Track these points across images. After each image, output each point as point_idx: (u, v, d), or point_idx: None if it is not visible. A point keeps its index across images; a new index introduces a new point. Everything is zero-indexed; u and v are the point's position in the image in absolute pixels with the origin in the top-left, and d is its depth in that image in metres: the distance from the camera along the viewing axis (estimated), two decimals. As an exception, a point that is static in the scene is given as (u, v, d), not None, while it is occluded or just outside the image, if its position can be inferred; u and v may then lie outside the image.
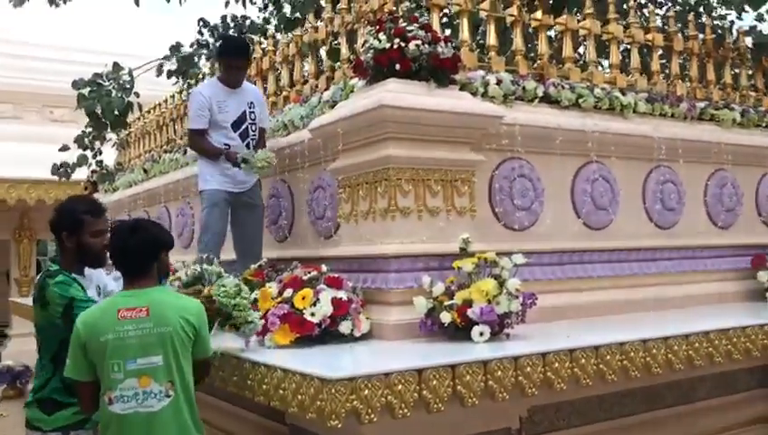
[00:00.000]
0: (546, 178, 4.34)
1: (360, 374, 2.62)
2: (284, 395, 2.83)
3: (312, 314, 3.37)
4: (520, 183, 4.22)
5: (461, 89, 4.01)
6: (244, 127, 4.71)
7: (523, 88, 4.36)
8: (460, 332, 3.36)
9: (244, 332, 3.28)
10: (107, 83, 6.60)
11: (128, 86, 6.92)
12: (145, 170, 7.65)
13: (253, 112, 4.73)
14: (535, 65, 4.77)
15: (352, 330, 3.44)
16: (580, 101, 4.56)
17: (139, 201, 7.51)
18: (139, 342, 2.74)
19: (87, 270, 3.30)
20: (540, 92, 4.42)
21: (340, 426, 2.56)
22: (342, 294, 3.50)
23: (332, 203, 4.24)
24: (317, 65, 5.08)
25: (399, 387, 2.69)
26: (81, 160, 8.05)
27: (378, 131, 3.67)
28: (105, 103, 6.41)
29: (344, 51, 4.71)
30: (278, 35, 6.11)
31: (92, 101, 6.34)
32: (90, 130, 7.93)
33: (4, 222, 12.44)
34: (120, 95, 6.53)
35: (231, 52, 4.72)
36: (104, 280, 3.46)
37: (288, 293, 3.48)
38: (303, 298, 3.42)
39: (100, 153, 8.79)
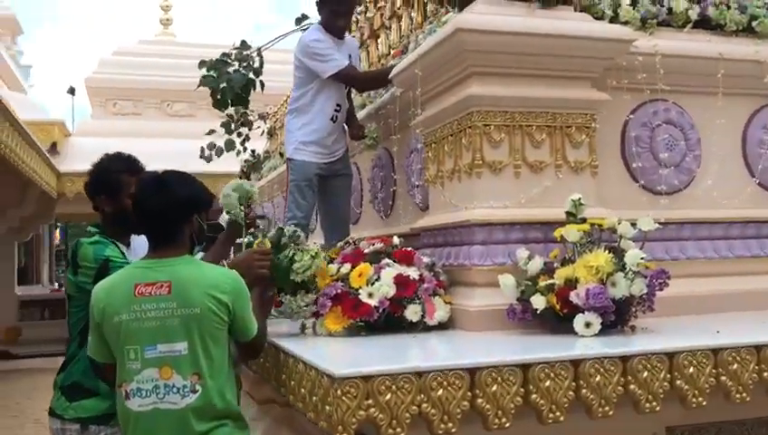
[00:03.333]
0: (703, 125, 3.30)
1: (380, 372, 1.90)
2: (303, 395, 2.17)
3: (370, 295, 2.67)
4: (665, 131, 3.22)
5: (579, 10, 3.11)
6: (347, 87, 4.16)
7: (669, 10, 3.35)
8: (563, 322, 2.51)
9: (291, 312, 2.69)
10: (233, 62, 6.31)
11: (256, 65, 6.56)
12: (281, 154, 7.40)
13: (351, 64, 4.13)
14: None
15: (423, 316, 2.70)
16: (754, 24, 3.43)
17: (275, 186, 7.27)
18: (160, 325, 2.20)
19: (133, 240, 2.86)
20: (694, 15, 3.37)
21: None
22: (413, 272, 2.77)
23: (386, 171, 3.53)
24: (423, 13, 4.36)
25: (440, 392, 1.93)
26: (229, 146, 7.89)
27: (458, 66, 2.89)
28: (226, 80, 6.12)
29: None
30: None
31: (213, 78, 6.08)
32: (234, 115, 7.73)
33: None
34: (243, 73, 6.19)
35: None
36: None
37: (345, 269, 2.82)
38: (360, 275, 2.73)
39: (248, 139, 8.59)
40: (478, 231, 2.78)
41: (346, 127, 4.27)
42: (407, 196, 3.85)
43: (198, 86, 6.75)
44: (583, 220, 2.68)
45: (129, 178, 2.78)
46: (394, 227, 3.98)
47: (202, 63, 6.66)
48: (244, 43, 6.81)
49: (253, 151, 8.93)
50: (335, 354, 2.42)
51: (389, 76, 3.47)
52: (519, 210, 2.84)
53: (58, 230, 21.40)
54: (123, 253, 2.70)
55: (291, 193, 4.07)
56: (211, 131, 8.37)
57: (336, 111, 4.05)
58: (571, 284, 2.50)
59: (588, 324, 2.42)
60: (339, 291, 2.72)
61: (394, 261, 2.83)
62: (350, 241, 3.61)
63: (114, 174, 2.80)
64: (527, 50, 2.84)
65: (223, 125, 8.12)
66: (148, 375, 2.19)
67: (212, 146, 8.35)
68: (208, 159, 8.46)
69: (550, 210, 2.83)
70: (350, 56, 4.13)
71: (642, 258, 2.50)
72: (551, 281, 2.54)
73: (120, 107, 12.84)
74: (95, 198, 2.82)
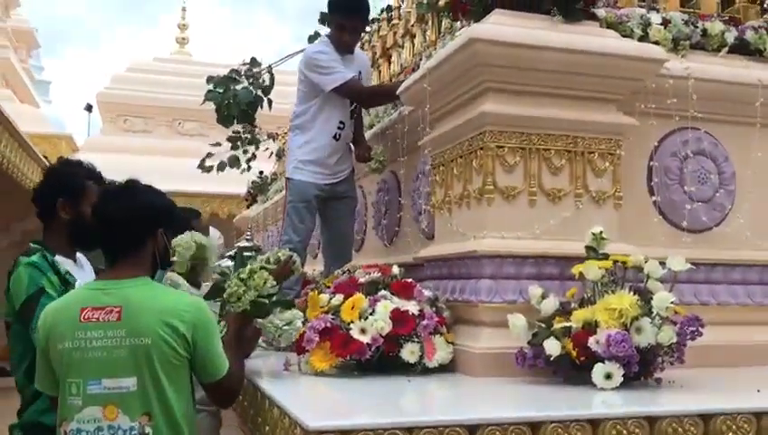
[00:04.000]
0: (739, 158, 3.01)
1: (362, 426, 1.60)
2: (278, 445, 1.88)
3: (363, 331, 2.38)
4: (697, 163, 2.93)
5: (605, 27, 2.85)
6: (354, 103, 3.85)
7: (704, 32, 3.08)
8: (580, 371, 2.20)
9: (272, 337, 2.40)
10: (241, 79, 6.10)
11: (266, 83, 6.31)
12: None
13: (360, 80, 3.84)
14: (727, 10, 3.44)
15: (421, 357, 2.40)
16: (797, 50, 3.16)
17: (278, 208, 7.01)
18: (107, 356, 1.90)
19: (80, 256, 2.59)
20: (731, 39, 3.10)
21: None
22: (412, 306, 2.48)
23: (392, 196, 3.27)
24: (438, 30, 4.11)
25: (430, 453, 1.63)
26: (233, 162, 7.61)
27: (471, 81, 2.63)
28: (231, 96, 5.91)
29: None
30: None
31: (218, 93, 5.87)
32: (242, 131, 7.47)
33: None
34: (250, 89, 5.95)
35: (346, 8, 3.83)
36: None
37: (337, 300, 2.53)
38: (353, 307, 2.44)
39: (254, 157, 8.30)
40: (487, 264, 2.49)
41: (352, 147, 4.01)
42: (412, 222, 3.56)
43: (203, 102, 6.56)
44: (605, 256, 2.39)
45: (94, 185, 2.53)
46: (397, 256, 3.69)
47: (210, 79, 6.46)
48: (254, 60, 6.59)
49: (260, 172, 8.70)
50: (315, 400, 2.13)
51: (397, 92, 3.21)
52: (533, 242, 2.55)
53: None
54: (64, 276, 2.40)
55: (288, 215, 3.79)
56: (217, 144, 8.16)
57: (339, 128, 3.78)
58: (591, 328, 2.20)
59: (608, 376, 2.12)
60: (328, 324, 2.43)
61: (392, 293, 2.54)
62: (348, 269, 3.33)
63: (78, 178, 2.53)
64: (548, 66, 2.57)
65: (230, 139, 7.83)
66: (90, 414, 1.88)
67: (210, 156, 8.05)
68: (207, 170, 8.16)
69: (568, 244, 2.54)
70: (359, 73, 3.88)
71: (672, 302, 2.20)
72: (567, 324, 2.24)
73: (131, 124, 12.69)
74: (48, 202, 2.49)
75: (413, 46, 4.42)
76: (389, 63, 4.85)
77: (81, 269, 2.55)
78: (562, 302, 2.36)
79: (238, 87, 6.05)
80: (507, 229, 2.54)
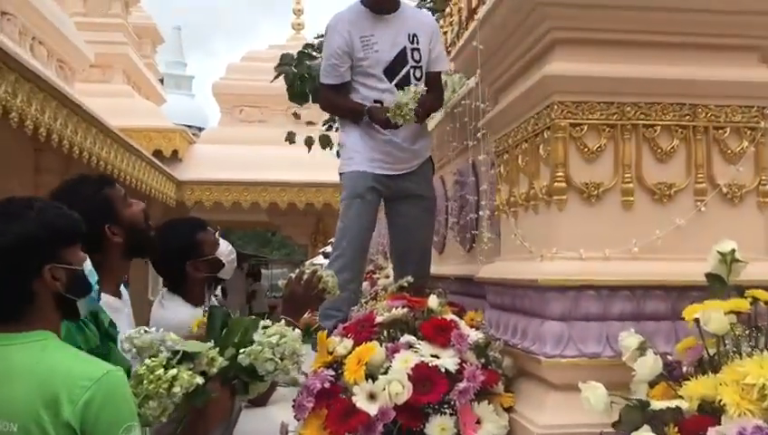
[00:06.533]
0: None
1: None
2: None
3: (371, 397, 1.67)
4: None
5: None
6: (403, 73, 3.03)
7: None
8: (696, 474, 1.38)
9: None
10: (317, 55, 5.57)
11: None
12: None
13: (417, 50, 3.04)
14: None
15: (457, 435, 1.66)
16: None
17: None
18: None
19: (123, 290, 2.07)
20: None
21: None
22: (448, 358, 1.73)
23: (468, 190, 2.50)
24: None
25: None
26: (324, 142, 7.10)
27: (532, 32, 1.83)
28: (306, 72, 5.35)
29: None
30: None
31: (290, 69, 5.35)
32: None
33: (303, 226, 12.47)
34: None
35: None
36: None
37: (344, 346, 1.83)
38: (359, 362, 1.72)
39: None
40: (555, 298, 1.70)
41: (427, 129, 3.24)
42: (487, 224, 2.78)
43: (273, 79, 6.06)
44: (740, 291, 1.53)
45: (111, 189, 2.01)
46: (478, 265, 2.93)
47: (284, 57, 5.94)
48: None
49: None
50: None
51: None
52: (628, 265, 1.72)
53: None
54: (107, 329, 1.82)
55: (339, 219, 3.12)
56: (310, 123, 7.76)
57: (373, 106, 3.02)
58: (711, 410, 1.36)
59: (740, 494, 1.28)
60: (326, 385, 1.73)
61: (421, 338, 1.80)
62: (407, 283, 2.62)
63: (94, 194, 1.99)
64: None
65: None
66: None
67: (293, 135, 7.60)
68: (292, 141, 7.67)
69: (682, 266, 1.70)
70: (413, 35, 3.03)
71: None
72: (674, 401, 1.42)
73: (247, 114, 12.52)
74: (95, 232, 1.87)
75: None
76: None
77: (119, 312, 1.99)
78: (670, 362, 1.53)
79: (313, 63, 5.47)
80: (588, 245, 1.73)
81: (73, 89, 8.26)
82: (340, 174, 3.16)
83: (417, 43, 3.05)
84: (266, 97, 12.01)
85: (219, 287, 3.47)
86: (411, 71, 3.04)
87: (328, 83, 3.14)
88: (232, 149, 11.29)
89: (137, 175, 8.01)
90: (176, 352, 1.45)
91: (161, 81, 16.51)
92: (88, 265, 1.51)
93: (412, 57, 3.04)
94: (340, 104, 3.18)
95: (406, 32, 3.04)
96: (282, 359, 1.56)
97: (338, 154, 6.87)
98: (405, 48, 3.04)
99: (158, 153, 10.47)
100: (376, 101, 3.02)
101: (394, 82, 3.01)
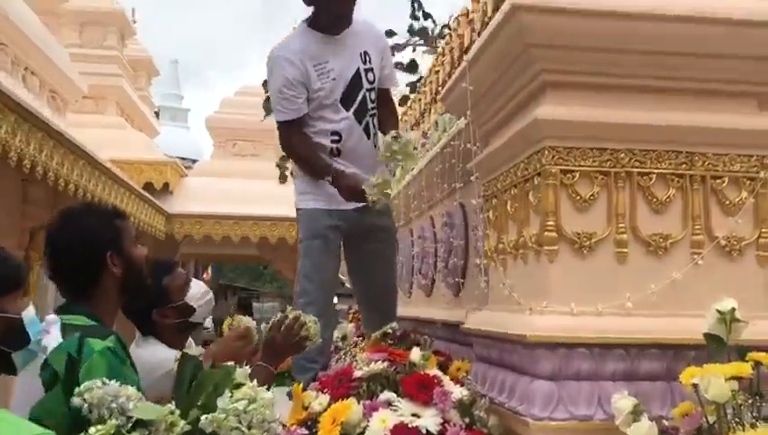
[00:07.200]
0: None
1: None
2: None
3: (346, 461, 1.55)
4: None
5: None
6: (360, 98, 2.79)
7: None
8: None
9: None
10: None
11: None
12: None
13: (370, 70, 2.80)
14: None
15: (437, 503, 1.54)
16: None
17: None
18: None
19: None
20: None
21: None
22: (429, 417, 1.62)
23: (455, 234, 2.40)
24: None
25: None
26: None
27: (522, 74, 1.75)
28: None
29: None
30: None
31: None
32: None
33: (293, 261, 12.32)
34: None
35: None
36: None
37: (320, 403, 1.71)
38: (334, 421, 1.61)
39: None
40: (544, 356, 1.59)
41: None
42: (476, 271, 2.68)
43: (265, 116, 6.02)
44: (740, 351, 1.43)
45: (123, 222, 1.91)
46: (432, 309, 2.84)
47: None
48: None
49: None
50: None
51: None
52: (622, 321, 1.62)
53: (210, 268, 21.33)
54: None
55: (300, 258, 2.86)
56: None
57: (334, 141, 2.80)
58: (713, 487, 1.26)
59: None
60: (298, 446, 1.62)
61: (401, 395, 1.69)
62: (389, 331, 2.49)
63: (107, 220, 1.89)
64: (639, 42, 1.65)
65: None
66: None
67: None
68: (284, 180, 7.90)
69: (678, 323, 1.60)
70: (364, 53, 2.81)
71: None
72: (670, 475, 1.31)
73: (240, 147, 12.45)
74: (92, 262, 1.79)
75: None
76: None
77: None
78: (666, 428, 1.43)
79: None
80: (580, 299, 1.63)
81: (65, 120, 8.18)
82: (297, 209, 2.93)
83: (370, 62, 2.84)
84: (259, 132, 11.96)
85: (210, 319, 3.33)
86: (367, 94, 2.82)
87: (285, 120, 2.80)
88: (223, 183, 11.20)
89: (125, 207, 7.89)
90: (129, 417, 1.32)
91: (157, 113, 16.51)
92: (29, 314, 1.40)
93: (366, 79, 2.82)
94: (302, 155, 2.87)
95: (358, 51, 2.82)
96: (249, 428, 1.43)
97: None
98: (359, 70, 2.81)
99: (148, 186, 10.35)
100: (333, 133, 2.80)
101: (351, 110, 2.80)
